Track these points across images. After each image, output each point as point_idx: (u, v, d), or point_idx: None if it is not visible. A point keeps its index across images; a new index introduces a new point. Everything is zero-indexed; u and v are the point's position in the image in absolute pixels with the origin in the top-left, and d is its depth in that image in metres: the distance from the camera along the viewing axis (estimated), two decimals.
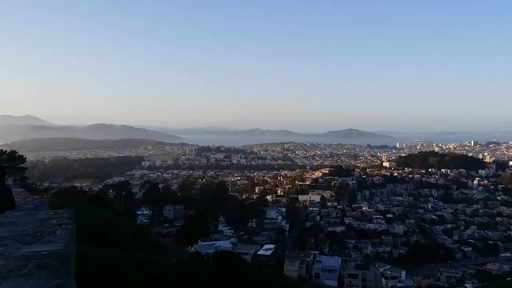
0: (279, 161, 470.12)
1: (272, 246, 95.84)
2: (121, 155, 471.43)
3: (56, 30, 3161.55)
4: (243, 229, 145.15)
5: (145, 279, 23.59)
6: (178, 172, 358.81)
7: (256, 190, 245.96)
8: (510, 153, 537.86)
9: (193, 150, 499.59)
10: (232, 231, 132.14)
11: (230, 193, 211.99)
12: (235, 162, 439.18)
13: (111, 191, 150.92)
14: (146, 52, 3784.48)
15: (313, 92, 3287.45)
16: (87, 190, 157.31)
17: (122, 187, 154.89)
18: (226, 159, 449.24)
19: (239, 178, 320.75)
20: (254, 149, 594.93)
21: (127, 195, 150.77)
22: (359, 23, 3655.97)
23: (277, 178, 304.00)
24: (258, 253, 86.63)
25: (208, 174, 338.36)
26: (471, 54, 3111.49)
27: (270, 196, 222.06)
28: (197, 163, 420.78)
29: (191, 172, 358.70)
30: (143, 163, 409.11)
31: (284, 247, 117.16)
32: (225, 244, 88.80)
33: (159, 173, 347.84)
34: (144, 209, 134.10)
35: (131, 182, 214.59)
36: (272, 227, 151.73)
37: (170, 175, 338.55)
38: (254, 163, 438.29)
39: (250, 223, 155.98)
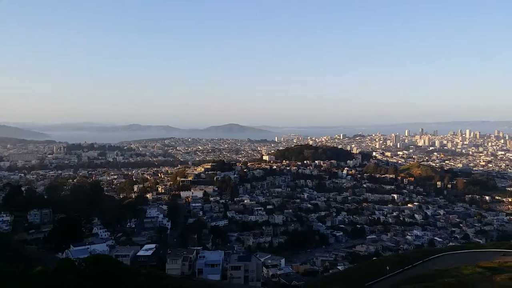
0: (160, 158, 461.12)
1: (153, 246, 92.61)
2: None
3: None
4: (121, 230, 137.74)
5: None
6: (44, 172, 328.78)
7: (135, 188, 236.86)
8: (373, 145, 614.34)
9: (62, 148, 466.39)
10: (109, 233, 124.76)
11: (106, 193, 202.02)
12: (110, 160, 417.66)
13: None
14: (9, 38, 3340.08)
15: (195, 86, 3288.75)
16: None
17: None
18: (100, 157, 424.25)
19: (115, 176, 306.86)
20: (132, 146, 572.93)
21: None
22: (236, 20, 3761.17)
23: (158, 175, 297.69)
24: (138, 254, 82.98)
25: (80, 174, 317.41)
26: (341, 57, 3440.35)
27: (151, 194, 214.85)
28: (66, 162, 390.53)
29: (60, 172, 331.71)
30: (1, 163, 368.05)
31: (166, 246, 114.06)
32: (100, 248, 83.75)
33: (22, 174, 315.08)
34: (4, 215, 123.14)
35: None
36: (153, 226, 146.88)
37: (35, 176, 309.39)
38: (132, 160, 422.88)
39: (128, 224, 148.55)
